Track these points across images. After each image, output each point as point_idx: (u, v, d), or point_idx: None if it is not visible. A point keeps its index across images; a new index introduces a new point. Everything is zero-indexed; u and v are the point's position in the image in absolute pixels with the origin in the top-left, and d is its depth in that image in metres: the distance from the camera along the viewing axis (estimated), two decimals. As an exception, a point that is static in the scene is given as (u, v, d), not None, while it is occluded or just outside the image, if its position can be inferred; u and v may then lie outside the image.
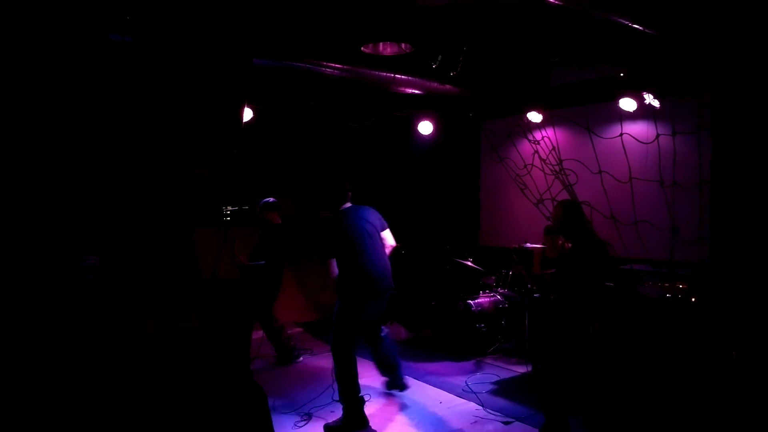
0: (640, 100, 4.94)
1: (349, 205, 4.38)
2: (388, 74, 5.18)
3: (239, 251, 5.09)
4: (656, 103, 4.87)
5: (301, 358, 5.71)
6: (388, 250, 4.47)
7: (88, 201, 4.06)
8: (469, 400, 4.65)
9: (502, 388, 4.92)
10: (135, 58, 3.73)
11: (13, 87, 3.45)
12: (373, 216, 4.42)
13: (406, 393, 4.76)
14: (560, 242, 5.71)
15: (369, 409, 4.27)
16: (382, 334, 4.59)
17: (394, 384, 4.74)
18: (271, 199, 5.28)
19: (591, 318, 3.69)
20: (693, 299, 4.44)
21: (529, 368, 5.24)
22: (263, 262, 5.03)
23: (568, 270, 3.81)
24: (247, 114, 5.17)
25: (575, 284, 3.74)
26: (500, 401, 4.60)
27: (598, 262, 3.76)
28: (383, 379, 4.83)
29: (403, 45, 4.64)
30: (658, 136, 5.23)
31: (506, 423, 4.17)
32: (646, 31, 3.76)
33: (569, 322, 3.75)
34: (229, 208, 5.30)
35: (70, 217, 3.87)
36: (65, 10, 3.50)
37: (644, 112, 5.17)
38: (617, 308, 4.77)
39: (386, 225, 4.51)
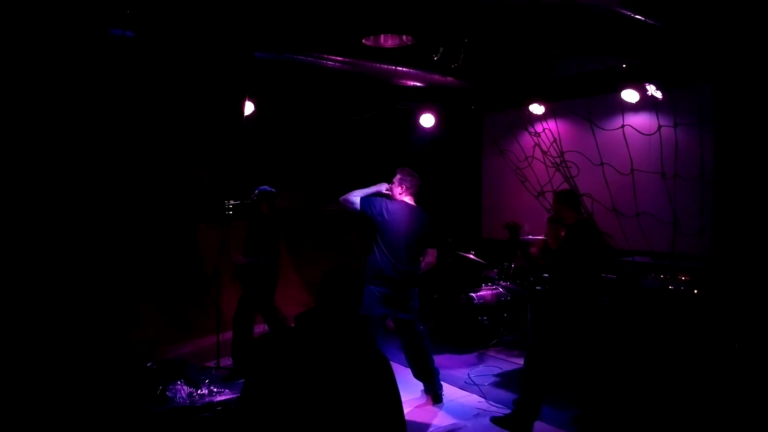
0: (642, 91, 4.92)
1: (408, 200, 4.28)
2: (390, 66, 5.17)
3: (234, 249, 5.09)
4: (659, 95, 4.85)
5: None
6: (423, 264, 4.32)
7: (91, 196, 4.06)
8: (472, 392, 4.67)
9: (504, 381, 4.94)
10: (136, 52, 3.72)
11: (14, 83, 3.44)
12: (423, 225, 4.26)
13: (408, 385, 4.76)
14: (563, 233, 5.72)
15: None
16: (418, 329, 4.39)
17: (429, 392, 4.50)
18: (269, 188, 5.23)
19: (582, 308, 3.70)
20: (695, 291, 4.44)
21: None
22: (260, 257, 5.02)
23: (559, 258, 3.85)
24: (249, 108, 5.16)
25: (566, 272, 3.75)
26: (502, 393, 4.62)
27: (589, 251, 3.76)
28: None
29: (404, 37, 4.61)
30: (659, 127, 5.22)
31: (509, 415, 4.19)
32: (649, 22, 3.74)
33: (559, 311, 3.78)
34: (231, 202, 5.28)
35: (72, 212, 3.87)
36: (65, 4, 3.48)
37: (646, 104, 5.15)
38: (618, 300, 4.78)
39: (433, 243, 4.39)
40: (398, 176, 4.32)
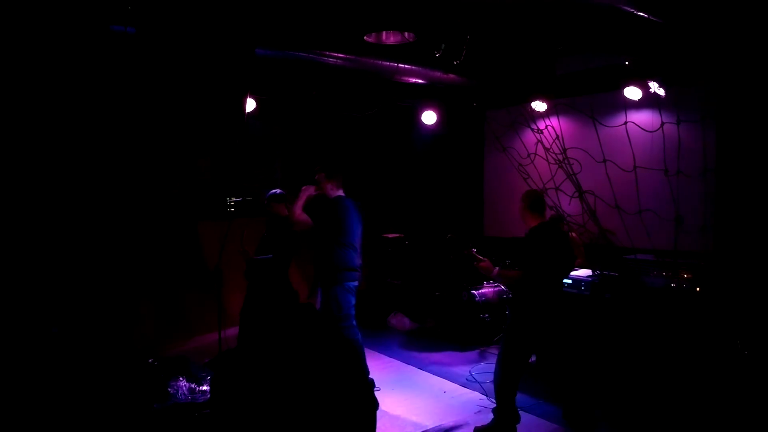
0: (645, 88, 4.91)
1: (341, 192, 4.42)
2: (391, 63, 5.15)
3: (246, 242, 5.08)
4: (661, 92, 4.83)
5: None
6: None
7: (92, 194, 4.06)
8: (473, 389, 4.67)
9: (506, 378, 4.94)
10: (137, 48, 3.71)
11: (18, 78, 3.44)
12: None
13: (411, 382, 4.77)
14: (569, 233, 5.69)
15: (373, 398, 4.29)
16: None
17: None
18: (278, 191, 5.24)
19: (538, 308, 3.69)
20: (697, 289, 4.43)
21: (533, 358, 5.25)
22: (270, 255, 5.02)
23: (519, 258, 3.83)
24: (250, 104, 5.15)
25: (524, 272, 3.73)
26: (504, 390, 4.62)
27: (545, 252, 3.72)
28: (393, 370, 4.77)
29: (406, 34, 4.60)
30: (662, 124, 5.19)
31: (510, 412, 4.19)
32: (652, 19, 3.72)
33: (518, 311, 3.76)
34: (233, 199, 5.28)
35: (74, 209, 3.88)
36: (68, 1, 3.48)
37: (649, 101, 5.13)
38: (620, 298, 4.77)
39: None
40: (325, 173, 4.36)
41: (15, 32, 3.37)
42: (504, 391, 3.76)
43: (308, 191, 4.31)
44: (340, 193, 4.38)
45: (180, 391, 4.10)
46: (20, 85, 3.47)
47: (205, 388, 4.23)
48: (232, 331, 5.19)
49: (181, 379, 4.20)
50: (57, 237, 3.77)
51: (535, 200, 3.93)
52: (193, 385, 4.18)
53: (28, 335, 3.62)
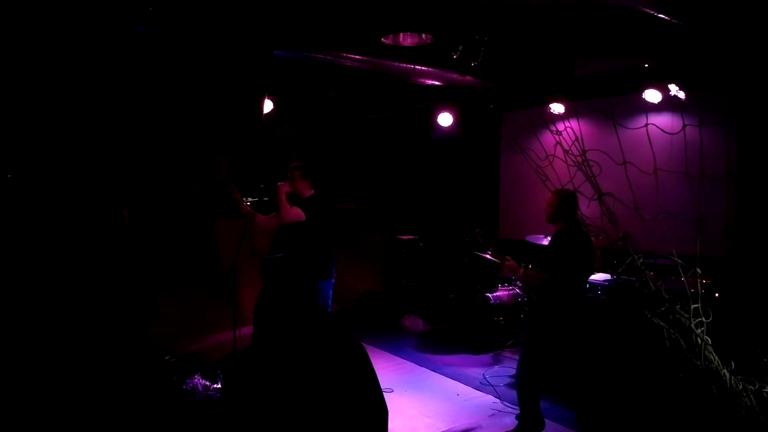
0: (665, 91, 4.84)
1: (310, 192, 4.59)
2: (408, 65, 5.16)
3: (258, 242, 5.13)
4: (681, 95, 4.76)
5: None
6: None
7: (111, 192, 4.13)
8: (487, 392, 4.64)
9: (520, 381, 4.91)
10: (157, 49, 3.77)
11: (37, 79, 3.51)
12: None
13: (424, 384, 4.76)
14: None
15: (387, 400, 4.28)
16: None
17: None
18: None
19: (564, 312, 3.64)
20: (716, 294, 4.35)
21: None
22: (281, 254, 5.06)
23: (545, 260, 3.78)
24: (268, 105, 5.19)
25: (552, 274, 3.67)
26: (518, 394, 4.59)
27: (574, 255, 3.67)
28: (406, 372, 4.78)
29: (423, 35, 4.60)
30: (684, 126, 5.11)
31: (524, 416, 4.15)
32: (672, 21, 3.67)
33: (543, 314, 3.70)
34: (250, 199, 5.32)
35: (93, 207, 3.94)
36: (90, 2, 3.55)
37: (670, 103, 5.05)
38: (637, 302, 4.70)
39: None
40: (300, 171, 4.50)
41: (43, 33, 3.44)
42: (528, 396, 3.71)
43: (284, 188, 4.44)
44: (311, 192, 4.52)
45: (195, 389, 4.15)
46: (45, 84, 3.54)
47: (220, 386, 4.27)
48: (247, 330, 5.24)
49: (196, 376, 4.26)
50: (76, 235, 3.83)
51: (572, 201, 3.87)
52: (208, 383, 4.23)
53: (49, 332, 3.68)
